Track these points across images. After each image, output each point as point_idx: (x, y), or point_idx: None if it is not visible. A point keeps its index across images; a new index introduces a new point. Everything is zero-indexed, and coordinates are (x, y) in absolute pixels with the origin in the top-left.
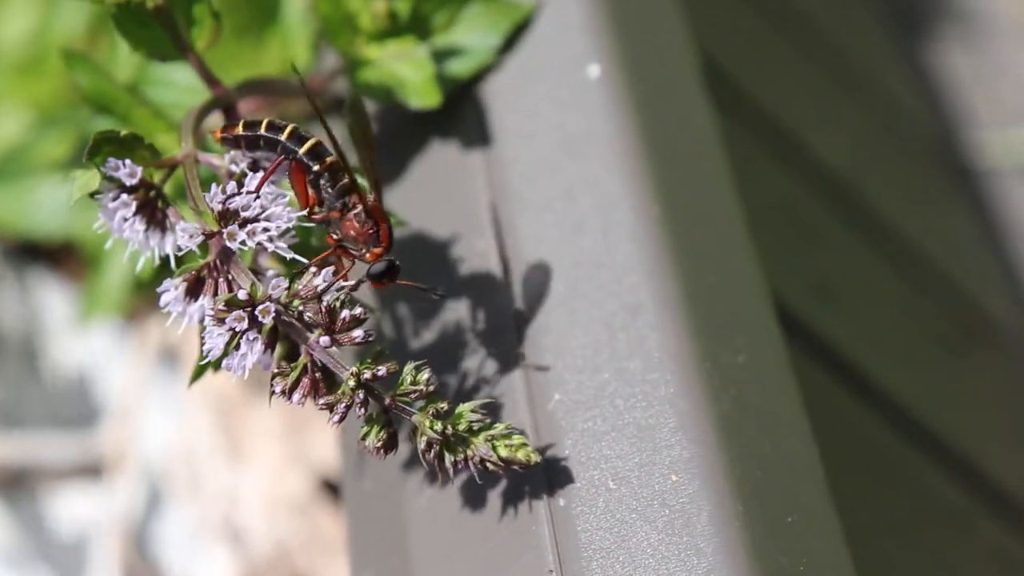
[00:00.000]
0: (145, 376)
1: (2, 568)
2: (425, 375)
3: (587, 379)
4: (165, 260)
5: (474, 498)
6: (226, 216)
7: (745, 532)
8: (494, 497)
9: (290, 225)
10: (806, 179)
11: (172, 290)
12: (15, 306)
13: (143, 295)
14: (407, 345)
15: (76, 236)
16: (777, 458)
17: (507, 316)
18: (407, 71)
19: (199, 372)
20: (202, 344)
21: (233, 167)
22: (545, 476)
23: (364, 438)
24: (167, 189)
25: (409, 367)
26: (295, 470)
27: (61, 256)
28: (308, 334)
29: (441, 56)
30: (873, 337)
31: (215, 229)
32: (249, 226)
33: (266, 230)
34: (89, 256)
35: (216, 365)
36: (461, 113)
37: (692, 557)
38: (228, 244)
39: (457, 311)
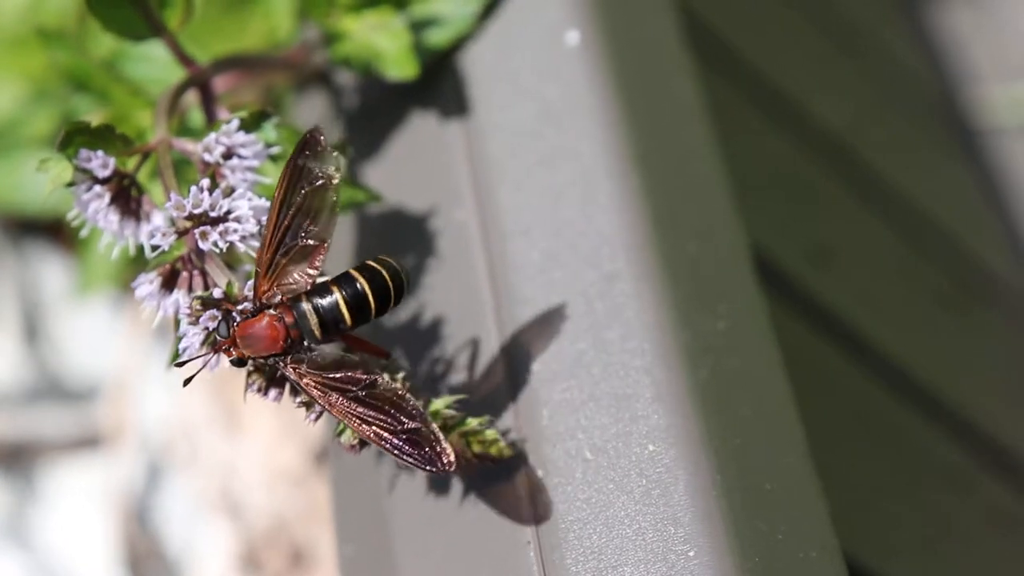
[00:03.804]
0: (142, 349)
1: (2, 541)
2: (400, 373)
3: (564, 348)
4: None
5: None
6: (198, 217)
7: (722, 500)
8: (472, 470)
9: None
10: (805, 141)
11: (147, 284)
12: (13, 279)
13: (138, 268)
14: (385, 318)
15: (65, 214)
16: (757, 425)
17: (485, 286)
18: (384, 42)
19: (174, 361)
20: (178, 340)
21: (207, 155)
22: (523, 447)
23: (339, 435)
24: (146, 170)
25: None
26: (292, 441)
27: (59, 229)
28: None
29: (419, 26)
30: (873, 299)
31: (188, 226)
32: (221, 225)
33: (237, 230)
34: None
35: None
36: (439, 83)
37: (669, 526)
38: (201, 245)
39: (436, 283)
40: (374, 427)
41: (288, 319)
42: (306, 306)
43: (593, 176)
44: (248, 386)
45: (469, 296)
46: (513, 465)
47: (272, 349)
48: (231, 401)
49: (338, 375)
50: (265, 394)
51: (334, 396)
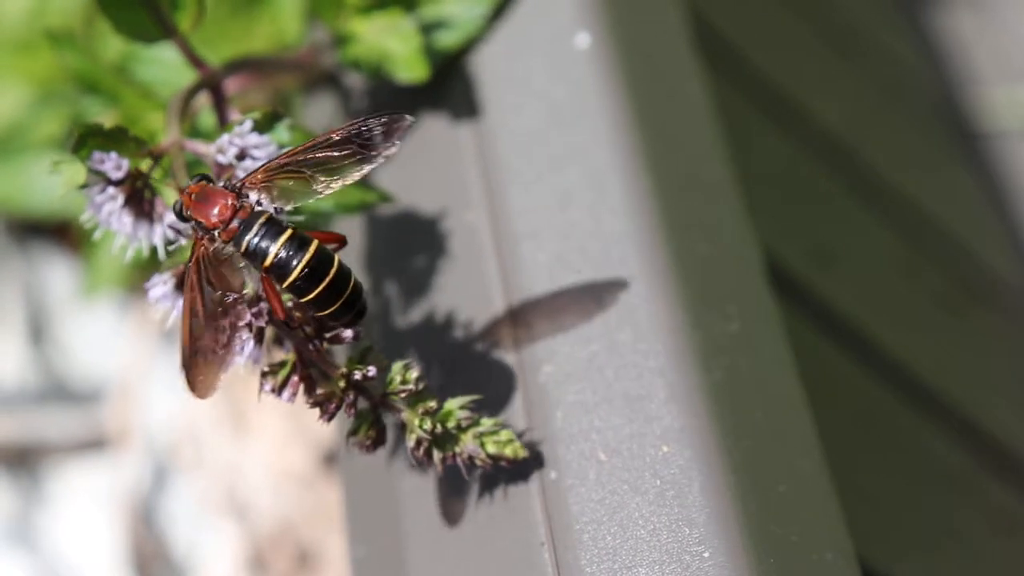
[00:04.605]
0: (148, 350)
1: (7, 544)
2: (414, 373)
3: (577, 350)
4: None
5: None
6: None
7: (737, 502)
8: (486, 471)
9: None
10: (807, 143)
11: (161, 285)
12: (19, 282)
13: (144, 270)
14: (396, 320)
15: (73, 216)
16: (770, 427)
17: (497, 288)
18: (394, 44)
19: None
20: None
21: (220, 157)
22: (536, 449)
23: (354, 434)
24: (158, 172)
25: (398, 365)
26: (298, 443)
27: (65, 232)
28: (298, 332)
29: (428, 28)
30: (874, 300)
31: None
32: None
33: None
34: (86, 235)
35: None
36: (449, 86)
37: (683, 528)
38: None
39: (447, 285)
40: (201, 322)
41: (242, 215)
42: (263, 218)
43: (603, 178)
44: (262, 386)
45: (480, 298)
46: (527, 466)
47: (206, 216)
48: (238, 403)
49: (218, 292)
50: (279, 395)
51: (197, 293)
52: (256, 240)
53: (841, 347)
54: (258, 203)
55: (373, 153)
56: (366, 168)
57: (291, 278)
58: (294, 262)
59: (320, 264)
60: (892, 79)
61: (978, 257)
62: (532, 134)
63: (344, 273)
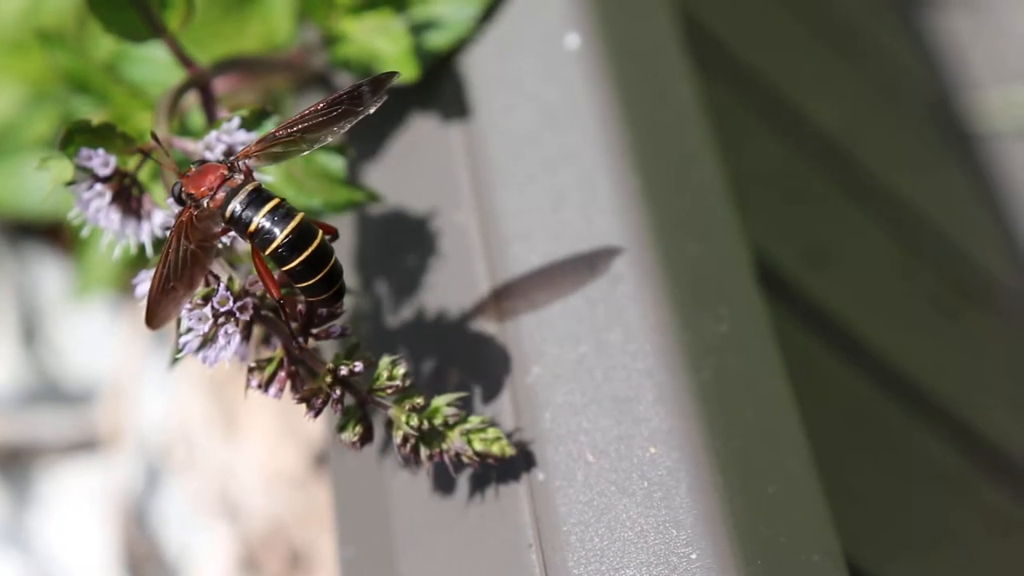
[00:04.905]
0: (140, 351)
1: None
2: (401, 370)
3: (566, 352)
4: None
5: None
6: None
7: (725, 503)
8: (474, 472)
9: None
10: (801, 143)
11: (148, 281)
12: (12, 282)
13: (137, 270)
14: (385, 320)
15: (65, 216)
16: (759, 428)
17: (486, 289)
18: (384, 44)
19: (176, 359)
20: (179, 335)
21: (208, 153)
22: (524, 450)
23: (341, 431)
24: (147, 170)
25: (385, 361)
26: (290, 443)
27: (58, 232)
28: (286, 328)
29: (418, 28)
30: (869, 301)
31: None
32: None
33: None
34: (78, 235)
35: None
36: (440, 86)
37: (671, 529)
38: None
39: (436, 285)
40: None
41: (230, 184)
42: (250, 187)
43: (594, 179)
44: (248, 382)
45: (469, 298)
46: (515, 467)
47: (197, 188)
48: (229, 403)
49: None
50: (265, 390)
51: (173, 248)
52: (241, 208)
53: (833, 347)
54: (250, 174)
55: (360, 108)
56: (352, 121)
57: (274, 245)
58: (277, 230)
59: (303, 235)
60: (888, 80)
61: (973, 259)
62: (522, 135)
63: (326, 249)
